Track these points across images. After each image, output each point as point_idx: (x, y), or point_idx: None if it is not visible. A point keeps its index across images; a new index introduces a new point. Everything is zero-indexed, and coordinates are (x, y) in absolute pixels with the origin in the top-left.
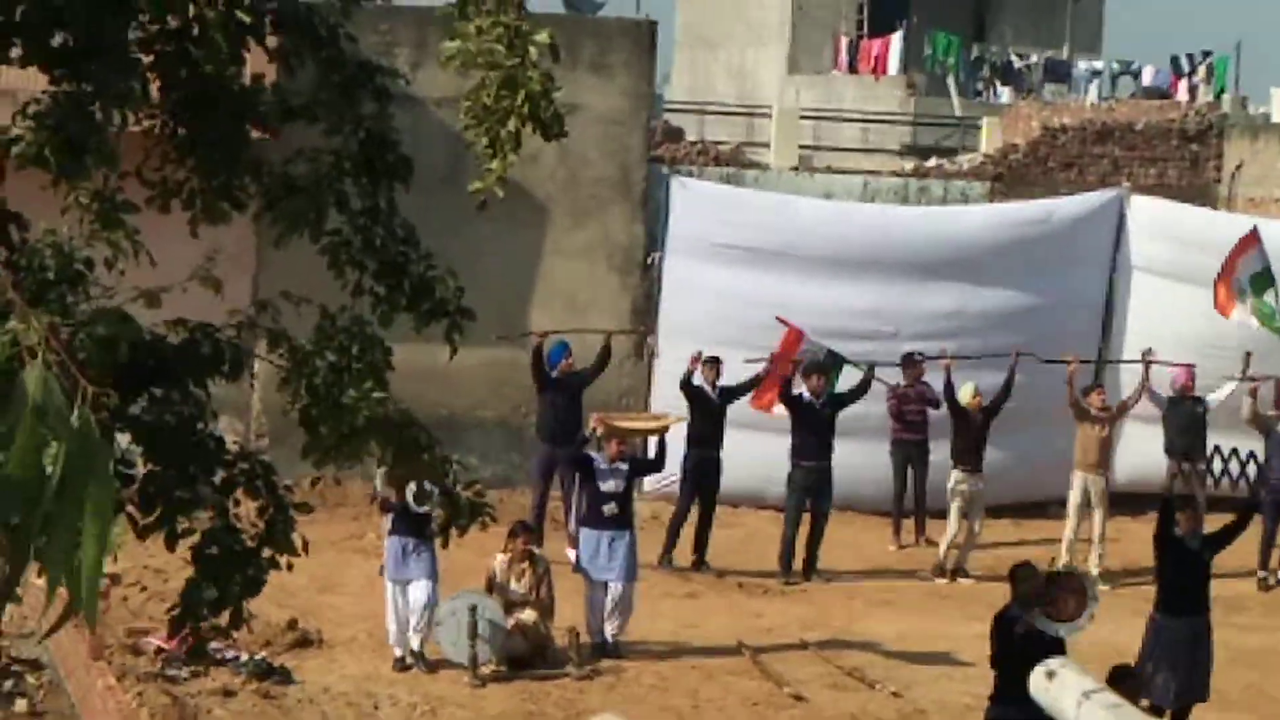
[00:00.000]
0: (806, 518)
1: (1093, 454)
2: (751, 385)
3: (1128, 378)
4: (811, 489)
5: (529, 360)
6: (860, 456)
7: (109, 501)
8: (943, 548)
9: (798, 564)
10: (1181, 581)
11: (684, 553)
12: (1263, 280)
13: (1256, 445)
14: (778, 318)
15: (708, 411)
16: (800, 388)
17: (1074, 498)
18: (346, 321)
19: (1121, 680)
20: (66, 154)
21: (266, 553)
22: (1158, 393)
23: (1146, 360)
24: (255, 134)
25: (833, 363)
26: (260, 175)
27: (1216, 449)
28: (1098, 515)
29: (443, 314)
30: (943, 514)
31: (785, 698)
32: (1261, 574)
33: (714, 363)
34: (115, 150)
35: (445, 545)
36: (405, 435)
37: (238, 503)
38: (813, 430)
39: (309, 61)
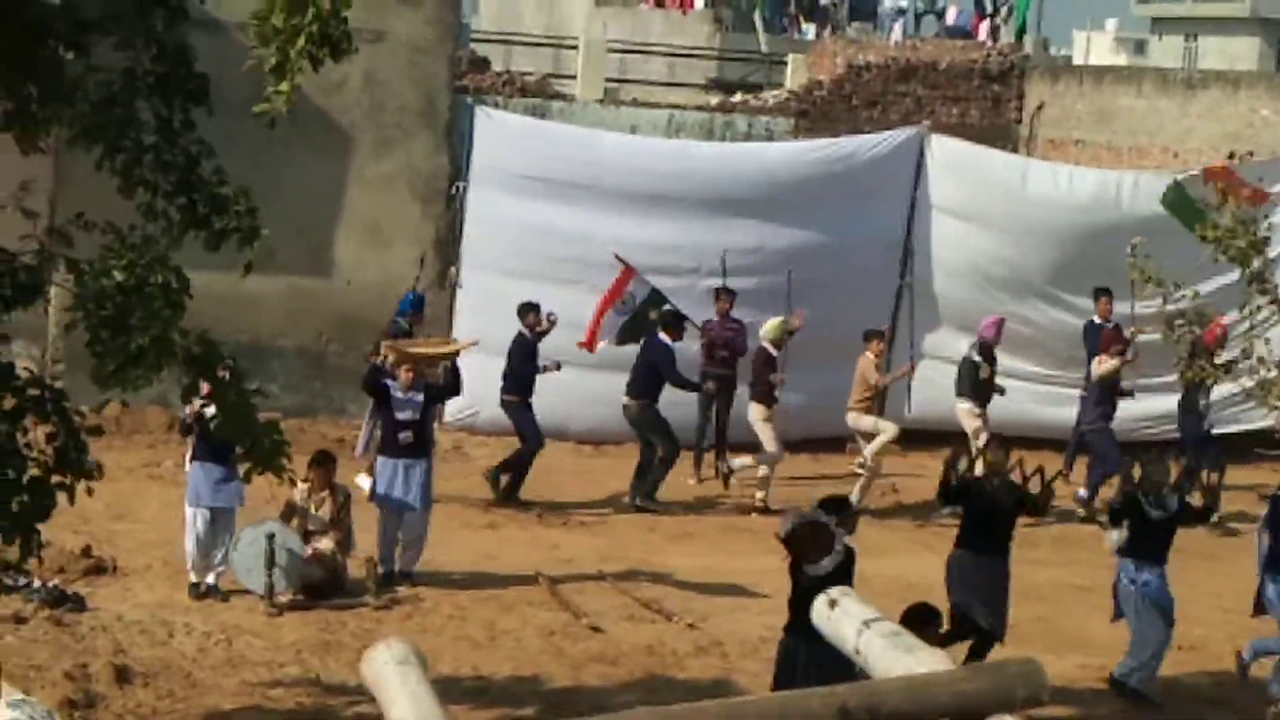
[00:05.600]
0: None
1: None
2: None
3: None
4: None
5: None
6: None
7: None
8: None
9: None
10: (984, 523)
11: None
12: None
13: None
14: (615, 255)
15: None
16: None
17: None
18: (137, 240)
19: (925, 624)
20: None
21: (55, 479)
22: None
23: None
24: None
25: (655, 302)
26: (68, 96)
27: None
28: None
29: (234, 231)
30: (743, 448)
31: (582, 629)
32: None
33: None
34: None
35: (248, 480)
36: (200, 357)
37: (26, 430)
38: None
39: None
